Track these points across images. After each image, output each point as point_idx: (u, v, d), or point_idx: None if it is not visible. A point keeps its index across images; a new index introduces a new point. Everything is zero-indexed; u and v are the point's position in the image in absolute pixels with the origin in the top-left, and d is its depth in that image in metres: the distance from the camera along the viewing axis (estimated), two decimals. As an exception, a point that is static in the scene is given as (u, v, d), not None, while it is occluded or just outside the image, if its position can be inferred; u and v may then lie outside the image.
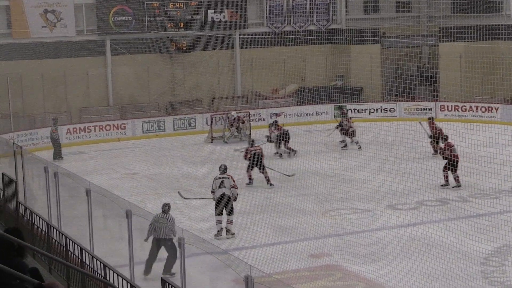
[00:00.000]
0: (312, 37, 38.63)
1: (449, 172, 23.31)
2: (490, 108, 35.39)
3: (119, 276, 11.64)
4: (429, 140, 28.00)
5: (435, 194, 22.20)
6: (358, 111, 37.79)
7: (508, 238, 17.22)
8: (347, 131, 30.25)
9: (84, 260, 13.28)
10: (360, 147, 29.49)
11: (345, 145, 30.34)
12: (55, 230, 14.89)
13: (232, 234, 19.39)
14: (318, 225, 19.75)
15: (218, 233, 19.34)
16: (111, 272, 11.95)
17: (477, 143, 23.30)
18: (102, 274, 12.18)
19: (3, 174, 17.50)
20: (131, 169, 28.64)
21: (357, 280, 16.19)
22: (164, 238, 16.22)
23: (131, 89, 38.67)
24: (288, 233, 19.48)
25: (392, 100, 38.26)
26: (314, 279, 16.32)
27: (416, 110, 36.94)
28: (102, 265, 12.36)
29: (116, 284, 11.46)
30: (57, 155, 30.63)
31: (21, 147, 18.97)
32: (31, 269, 9.86)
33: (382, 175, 24.74)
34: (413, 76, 39.06)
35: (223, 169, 20.60)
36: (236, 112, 34.55)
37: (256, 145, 26.16)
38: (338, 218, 20.76)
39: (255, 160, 24.97)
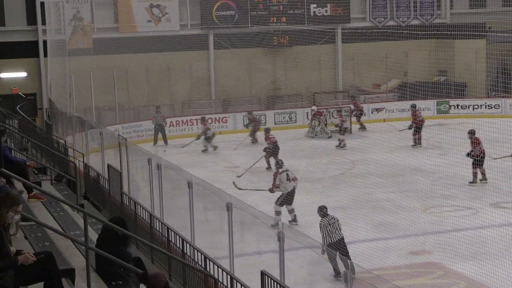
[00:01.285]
0: (415, 32, 38.12)
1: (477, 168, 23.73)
2: None
3: (219, 268, 11.79)
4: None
5: (541, 193, 21.61)
6: (461, 107, 37.15)
7: None
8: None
9: (185, 251, 13.49)
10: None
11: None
12: (157, 221, 15.16)
13: (296, 222, 19.67)
14: (419, 222, 19.50)
15: (292, 221, 19.64)
16: (211, 263, 12.11)
17: None
18: (203, 265, 12.35)
19: (108, 165, 17.92)
20: (232, 162, 28.88)
21: (458, 279, 15.93)
22: (338, 239, 15.82)
23: (233, 83, 38.97)
24: (388, 229, 19.31)
25: (497, 96, 37.42)
26: (414, 276, 16.15)
27: (522, 106, 36.08)
28: (202, 257, 12.53)
29: (216, 275, 11.61)
30: (155, 141, 32.73)
31: (125, 139, 19.36)
32: (135, 258, 10.11)
33: (486, 173, 24.25)
34: (519, 72, 38.13)
35: (280, 163, 20.96)
36: (317, 107, 34.67)
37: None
38: (439, 215, 20.46)
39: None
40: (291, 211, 19.94)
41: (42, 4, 35.65)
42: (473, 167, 23.81)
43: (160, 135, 33.04)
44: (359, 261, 14.68)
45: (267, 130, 28.21)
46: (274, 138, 27.36)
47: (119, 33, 37.34)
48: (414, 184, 23.92)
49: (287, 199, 19.86)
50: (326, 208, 16.54)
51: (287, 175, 20.07)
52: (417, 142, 30.06)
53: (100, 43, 36.26)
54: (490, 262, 15.96)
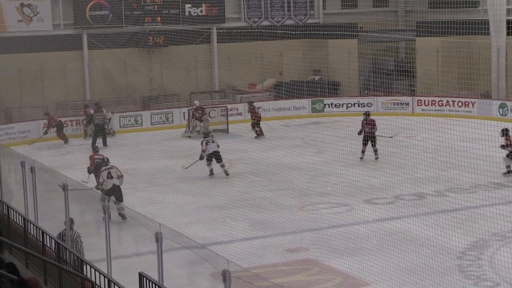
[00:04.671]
0: (289, 32, 38.64)
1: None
2: (466, 103, 35.54)
3: (96, 271, 11.62)
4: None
5: (412, 188, 22.32)
6: (335, 105, 37.89)
7: (484, 232, 17.36)
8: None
9: (61, 255, 13.24)
10: None
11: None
12: (31, 225, 14.82)
13: (125, 218, 18.88)
14: (296, 220, 19.77)
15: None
16: (88, 267, 11.93)
17: (454, 137, 23.53)
18: (79, 269, 12.15)
19: (-21, 169, 17.41)
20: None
21: (334, 275, 16.23)
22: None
23: (108, 83, 38.48)
24: (265, 228, 19.49)
25: (369, 95, 38.38)
26: (292, 274, 16.35)
27: (393, 104, 37.10)
28: (79, 260, 12.33)
29: (93, 278, 11.44)
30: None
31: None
32: (8, 263, 9.80)
33: (360, 170, 24.86)
34: (390, 70, 39.20)
35: (106, 161, 21.19)
36: (199, 101, 34.61)
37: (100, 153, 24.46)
38: (315, 212, 20.79)
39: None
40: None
41: None
42: (363, 144, 26.49)
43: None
44: (237, 260, 14.75)
45: None
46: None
47: (-11, 33, 36.29)
48: (291, 182, 24.25)
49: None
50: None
51: (109, 172, 20.35)
52: (258, 133, 32.48)
53: (-32, 43, 35.16)
54: (365, 257, 16.37)
